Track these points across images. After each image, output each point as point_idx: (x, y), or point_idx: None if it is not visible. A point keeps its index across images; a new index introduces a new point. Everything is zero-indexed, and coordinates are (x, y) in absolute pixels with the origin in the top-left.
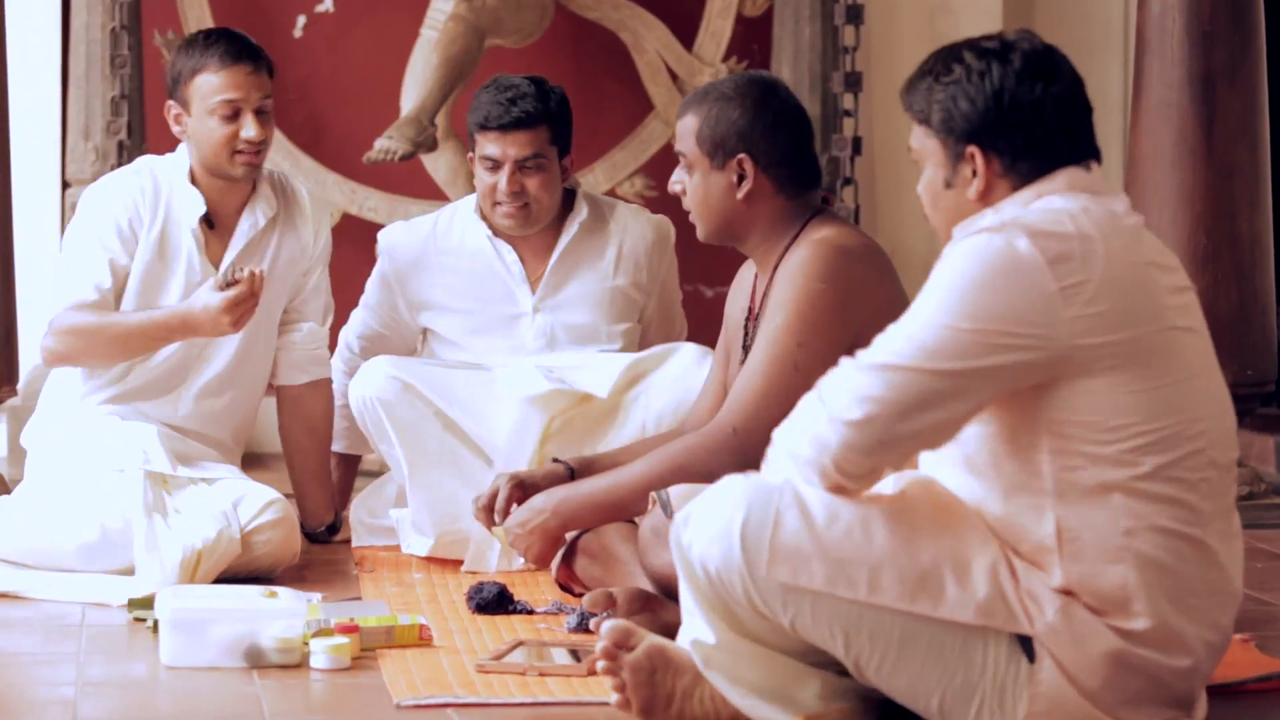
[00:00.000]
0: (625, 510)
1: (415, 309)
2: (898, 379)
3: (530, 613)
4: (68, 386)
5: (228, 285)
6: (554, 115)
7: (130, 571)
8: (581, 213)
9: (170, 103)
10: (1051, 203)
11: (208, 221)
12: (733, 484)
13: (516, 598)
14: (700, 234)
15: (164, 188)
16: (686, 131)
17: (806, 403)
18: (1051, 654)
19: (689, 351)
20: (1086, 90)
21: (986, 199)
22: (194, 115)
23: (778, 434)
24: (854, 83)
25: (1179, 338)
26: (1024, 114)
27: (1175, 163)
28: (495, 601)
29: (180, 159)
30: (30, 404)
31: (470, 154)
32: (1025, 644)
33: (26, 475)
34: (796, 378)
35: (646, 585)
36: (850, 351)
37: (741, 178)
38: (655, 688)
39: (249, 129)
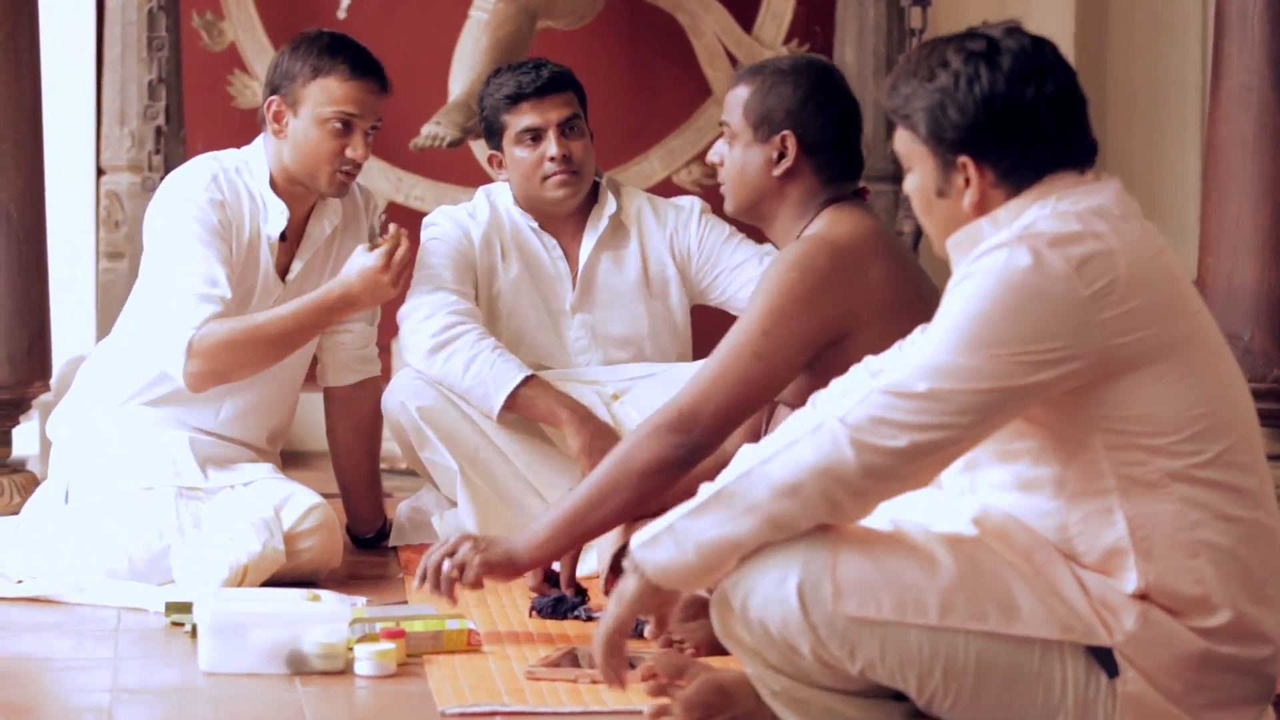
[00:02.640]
0: (596, 522)
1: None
2: (939, 406)
3: (590, 619)
4: (103, 387)
5: (373, 247)
6: (576, 82)
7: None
8: (610, 205)
9: (274, 98)
10: (1046, 208)
11: (281, 234)
12: (775, 546)
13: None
14: (728, 207)
15: (252, 195)
16: (735, 102)
17: (823, 430)
18: (1134, 664)
19: None
20: (1078, 81)
21: (981, 209)
22: (301, 118)
23: (766, 459)
24: None
25: (1201, 320)
26: (1017, 121)
27: (1256, 149)
28: (552, 606)
29: (259, 164)
30: None
31: (492, 153)
32: (1102, 658)
33: (49, 477)
34: (755, 365)
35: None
36: (826, 346)
37: (782, 155)
38: None
39: (356, 148)
